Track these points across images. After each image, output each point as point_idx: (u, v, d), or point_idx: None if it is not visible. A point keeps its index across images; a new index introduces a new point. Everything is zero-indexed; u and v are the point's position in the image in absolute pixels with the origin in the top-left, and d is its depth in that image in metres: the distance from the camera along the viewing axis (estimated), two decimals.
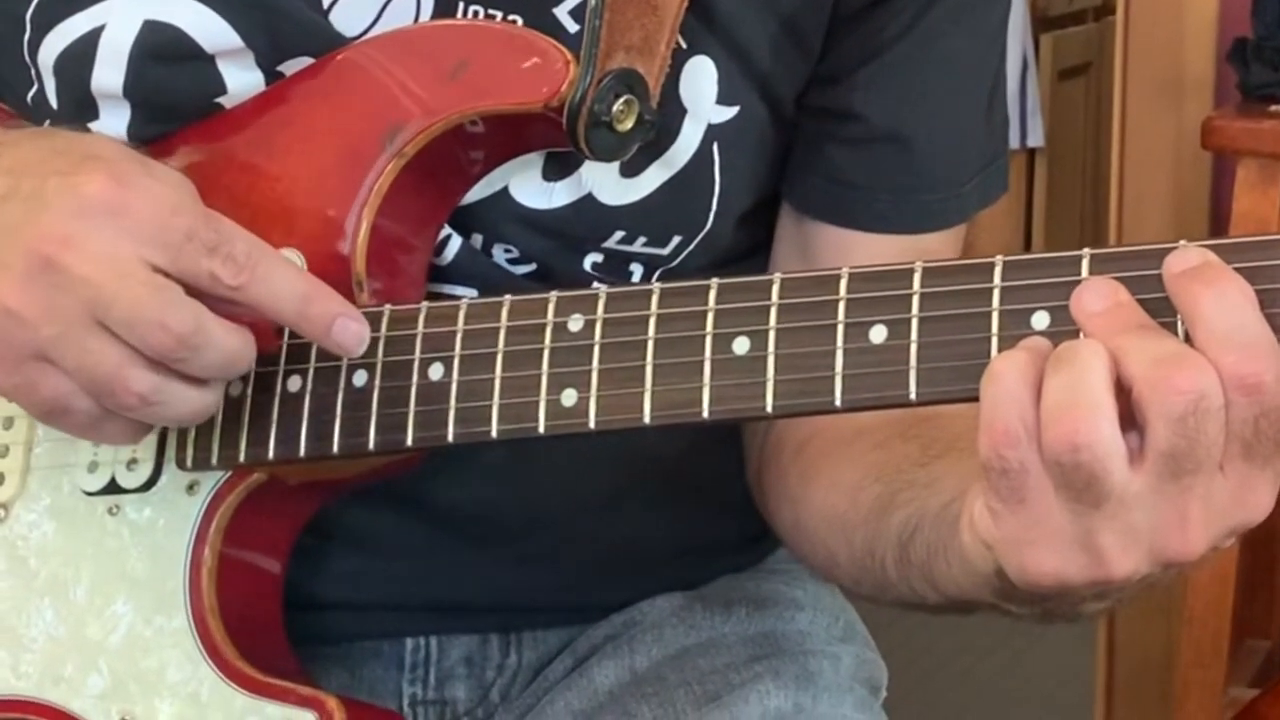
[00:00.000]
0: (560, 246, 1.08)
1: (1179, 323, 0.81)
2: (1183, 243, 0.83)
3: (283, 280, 0.93)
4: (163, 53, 1.04)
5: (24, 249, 0.91)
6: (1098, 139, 3.73)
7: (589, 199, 1.06)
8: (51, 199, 0.92)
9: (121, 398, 0.92)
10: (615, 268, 1.09)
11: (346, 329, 0.94)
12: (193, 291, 0.92)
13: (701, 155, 1.07)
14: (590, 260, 1.09)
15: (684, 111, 1.06)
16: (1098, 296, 0.83)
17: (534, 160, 1.06)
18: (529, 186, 1.06)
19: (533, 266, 1.08)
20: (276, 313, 0.94)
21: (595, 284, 1.08)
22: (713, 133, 1.07)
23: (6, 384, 0.94)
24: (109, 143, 0.97)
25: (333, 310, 0.94)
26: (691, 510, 1.18)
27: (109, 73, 1.05)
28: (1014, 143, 3.26)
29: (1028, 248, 3.55)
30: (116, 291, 0.90)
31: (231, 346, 0.93)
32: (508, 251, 1.08)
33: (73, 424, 0.95)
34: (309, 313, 0.94)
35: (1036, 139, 3.47)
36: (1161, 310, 0.82)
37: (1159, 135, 2.75)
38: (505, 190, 1.06)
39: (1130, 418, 0.79)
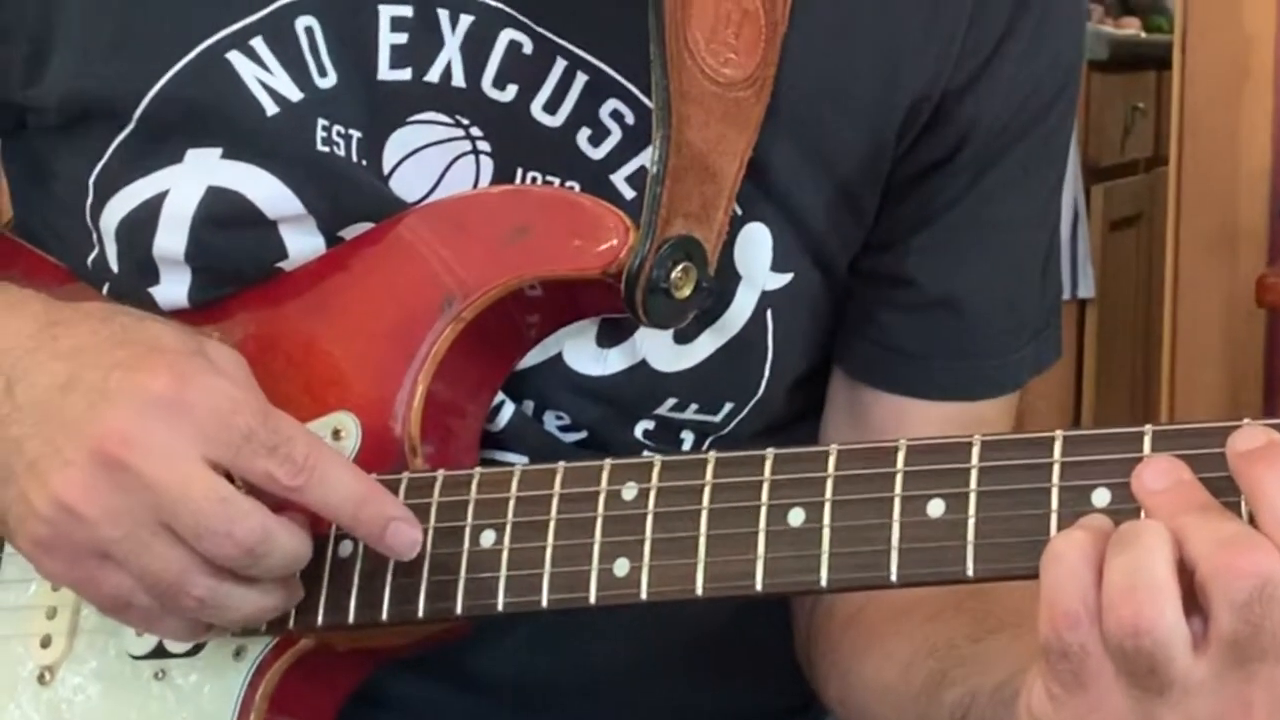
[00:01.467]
0: (613, 414, 1.07)
1: (1243, 503, 0.80)
2: (1247, 421, 0.82)
3: (339, 482, 0.93)
4: (225, 219, 1.05)
5: (87, 446, 0.91)
6: (1149, 290, 3.72)
7: (643, 365, 1.06)
8: (115, 394, 0.92)
9: (182, 601, 0.93)
10: (667, 435, 1.08)
11: (399, 533, 0.94)
12: (253, 487, 0.92)
13: (755, 322, 1.07)
14: (642, 428, 1.08)
15: (738, 278, 1.06)
16: (1159, 474, 0.82)
17: (588, 327, 1.06)
18: (583, 353, 1.06)
19: (584, 434, 1.08)
20: (331, 514, 0.94)
21: (647, 452, 1.08)
22: (767, 299, 1.07)
23: (66, 577, 0.94)
24: (169, 332, 0.97)
25: (387, 514, 0.94)
26: (738, 679, 1.17)
27: (171, 238, 1.05)
28: (1065, 294, 3.26)
29: (1078, 398, 3.53)
30: (182, 499, 0.90)
31: (293, 552, 0.93)
32: (559, 419, 1.07)
33: (132, 618, 0.96)
34: (363, 516, 0.94)
35: (1087, 290, 3.47)
36: (1225, 490, 0.81)
37: (1212, 287, 2.75)
38: (559, 356, 1.06)
39: (1193, 600, 0.78)
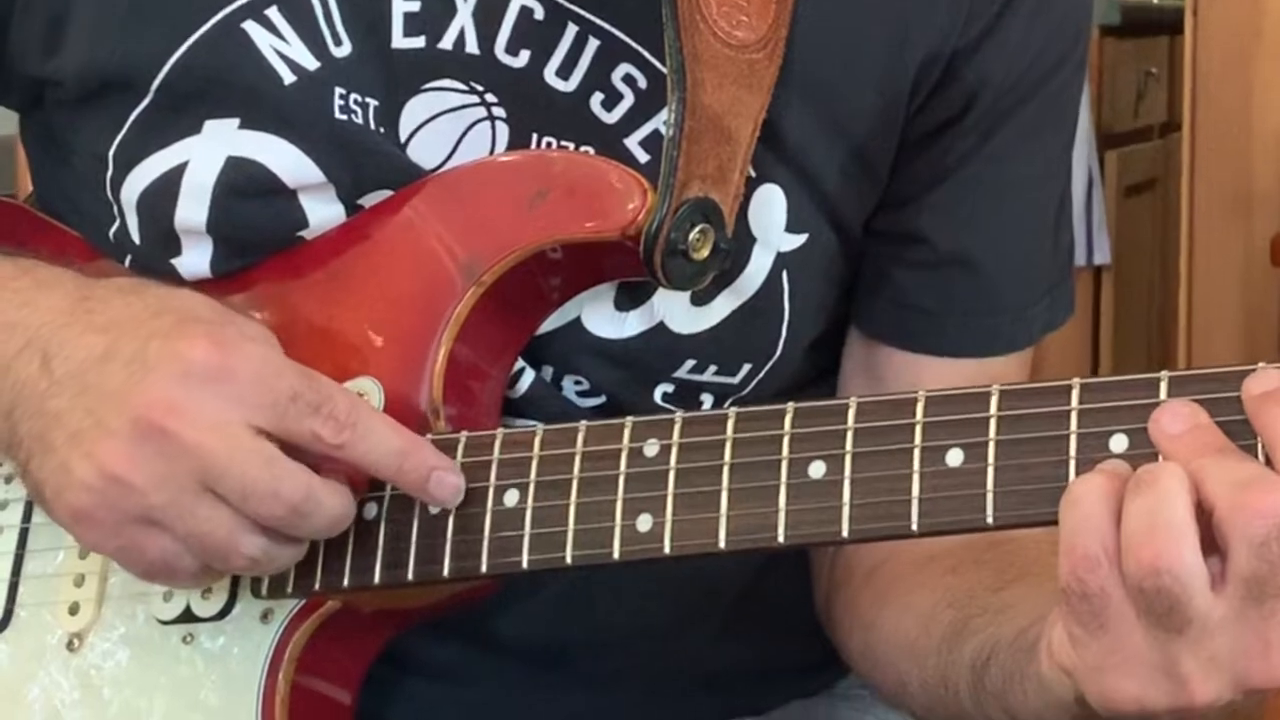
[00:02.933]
0: (632, 377, 1.08)
1: (1259, 445, 0.81)
2: (1261, 365, 0.83)
3: (382, 437, 0.94)
4: (246, 189, 1.05)
5: (129, 414, 0.92)
6: (1164, 255, 3.71)
7: (661, 328, 1.07)
8: (154, 363, 0.93)
9: (233, 561, 0.94)
10: (686, 398, 1.09)
11: (443, 482, 0.95)
12: (293, 449, 0.93)
13: (771, 283, 1.07)
14: (661, 391, 1.09)
15: (753, 240, 1.06)
16: (1177, 419, 0.82)
17: (606, 290, 1.06)
18: (601, 316, 1.06)
19: (603, 399, 1.08)
20: (375, 468, 0.95)
21: None
22: (782, 260, 1.07)
23: (108, 546, 0.95)
24: (202, 302, 0.98)
25: (429, 464, 0.95)
26: (760, 635, 1.17)
27: (192, 209, 1.06)
28: (1080, 260, 3.26)
29: (1095, 365, 3.53)
30: (228, 462, 0.91)
31: (338, 510, 0.94)
32: (578, 384, 1.08)
33: (175, 580, 0.97)
34: (407, 467, 0.95)
35: (1103, 256, 3.47)
36: (1241, 433, 0.82)
37: (1227, 251, 2.75)
38: (578, 320, 1.07)
39: (1211, 541, 0.79)
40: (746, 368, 1.09)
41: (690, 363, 1.08)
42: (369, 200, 1.06)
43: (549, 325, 1.06)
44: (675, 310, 1.07)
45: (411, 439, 0.95)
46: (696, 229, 1.01)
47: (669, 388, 1.09)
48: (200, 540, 0.93)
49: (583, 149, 1.05)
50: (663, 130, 1.02)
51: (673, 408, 1.08)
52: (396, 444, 0.95)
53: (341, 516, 0.95)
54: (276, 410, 0.92)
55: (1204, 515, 0.79)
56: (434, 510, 0.97)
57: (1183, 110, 2.89)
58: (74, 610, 1.04)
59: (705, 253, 1.01)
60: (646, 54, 1.05)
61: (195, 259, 1.07)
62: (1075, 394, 0.85)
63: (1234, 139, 2.74)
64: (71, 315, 0.97)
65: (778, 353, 1.09)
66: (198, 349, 0.93)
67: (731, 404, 1.10)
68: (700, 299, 1.07)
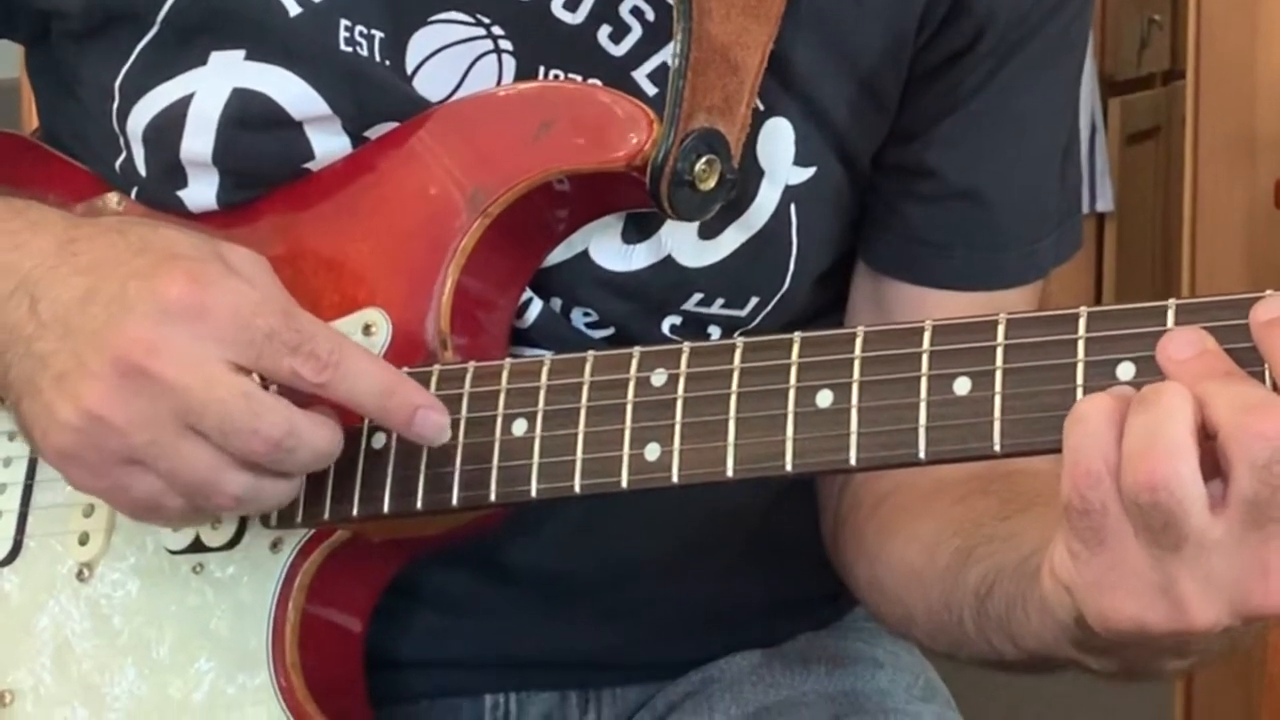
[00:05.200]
0: (639, 309, 1.08)
1: (1267, 373, 0.81)
2: (1269, 292, 0.83)
3: (365, 374, 0.94)
4: (252, 121, 1.05)
5: (109, 355, 0.92)
6: (1167, 203, 3.72)
7: (668, 261, 1.07)
8: (133, 303, 0.93)
9: (216, 499, 0.94)
10: (694, 330, 1.09)
11: (427, 420, 0.95)
12: (281, 387, 0.93)
13: (779, 216, 1.07)
14: (669, 323, 1.09)
15: (761, 173, 1.06)
16: (1184, 344, 0.82)
17: (613, 223, 1.06)
18: (609, 249, 1.07)
19: (611, 330, 1.09)
20: (358, 406, 0.95)
21: None
22: (790, 194, 1.07)
23: (96, 486, 0.96)
24: (184, 238, 0.98)
25: (413, 401, 0.95)
26: (770, 568, 1.18)
27: (198, 141, 1.06)
28: (1083, 208, 3.25)
29: None
30: (206, 399, 0.91)
31: (323, 443, 0.94)
32: (586, 315, 1.08)
33: (163, 519, 0.97)
34: (390, 405, 0.95)
35: (1106, 204, 3.46)
36: (1249, 360, 0.82)
37: (1231, 196, 2.74)
38: (585, 253, 1.07)
39: (1216, 465, 0.79)
40: (754, 300, 1.09)
41: (698, 295, 1.08)
42: (375, 132, 1.06)
43: (556, 258, 1.07)
44: (683, 243, 1.07)
45: (395, 376, 0.95)
46: (703, 160, 1.01)
47: (676, 320, 1.09)
48: (183, 478, 0.93)
49: (590, 82, 1.05)
50: (670, 63, 1.02)
51: (681, 339, 1.09)
52: (380, 382, 0.94)
53: (326, 451, 0.94)
54: (254, 347, 0.92)
55: (1209, 439, 0.79)
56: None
57: (1186, 58, 2.89)
58: (83, 540, 1.04)
59: (712, 183, 1.02)
60: None
61: (201, 191, 1.07)
62: (1083, 322, 0.85)
63: (1238, 85, 2.73)
64: (58, 257, 0.97)
65: (785, 286, 1.09)
66: (175, 287, 0.92)
67: (739, 335, 1.10)
68: (708, 232, 1.07)
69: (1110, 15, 3.60)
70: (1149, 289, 3.76)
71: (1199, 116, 2.78)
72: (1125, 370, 0.84)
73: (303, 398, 0.94)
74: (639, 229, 1.07)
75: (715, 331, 1.10)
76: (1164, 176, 3.77)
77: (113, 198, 1.12)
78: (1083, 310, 0.86)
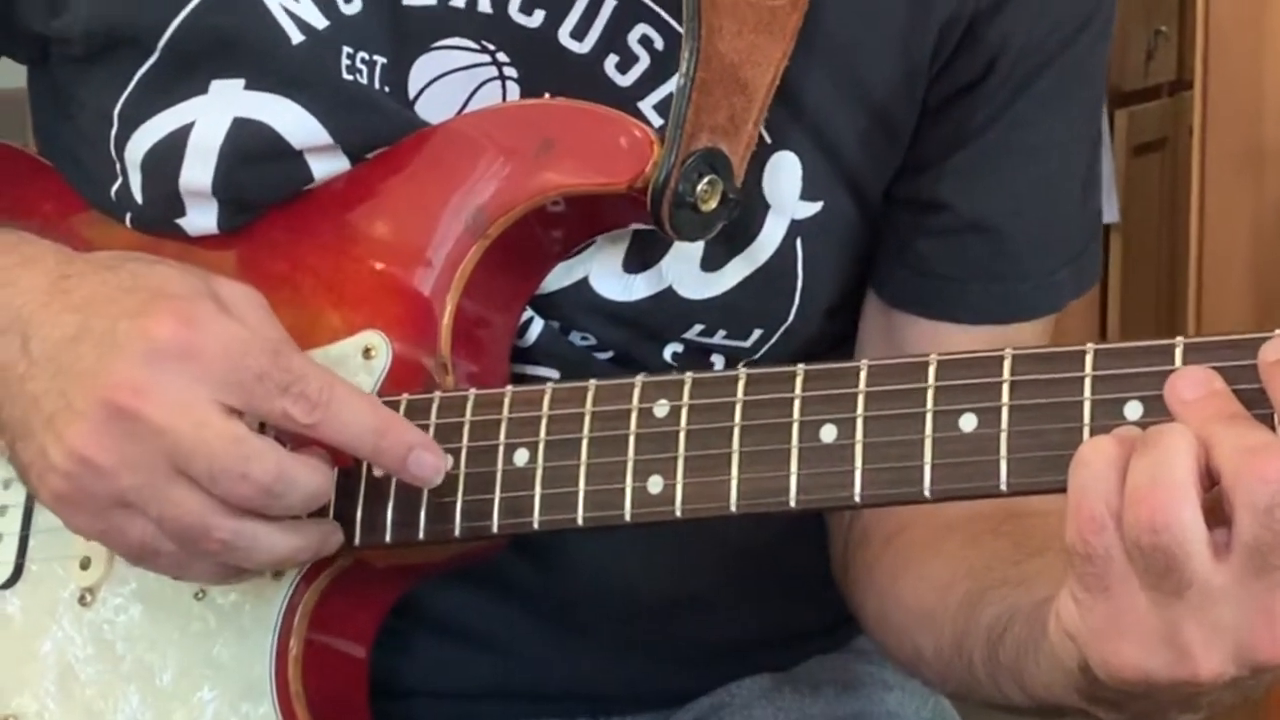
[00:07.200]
0: (639, 337, 1.08)
1: (1276, 416, 0.81)
2: (1278, 332, 0.82)
3: (356, 415, 0.93)
4: (253, 152, 1.04)
5: (98, 397, 0.92)
6: (1173, 214, 3.70)
7: (669, 292, 1.06)
8: (123, 343, 0.92)
9: (205, 544, 0.93)
10: (696, 359, 1.09)
11: (422, 461, 0.94)
12: (267, 428, 0.92)
13: (784, 251, 1.07)
14: (670, 350, 1.09)
15: (766, 207, 1.06)
16: (1192, 384, 0.82)
17: (615, 251, 1.06)
18: (609, 278, 1.06)
19: (611, 354, 1.08)
20: (350, 446, 0.94)
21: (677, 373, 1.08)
22: (796, 228, 1.07)
23: (92, 530, 0.95)
24: (176, 276, 0.97)
25: (407, 441, 0.94)
26: (781, 598, 1.17)
27: (198, 171, 1.05)
28: None
29: (1103, 323, 3.53)
30: (195, 443, 0.91)
31: (314, 487, 0.93)
32: (585, 339, 1.08)
33: (161, 565, 0.96)
34: (383, 445, 0.94)
35: (1111, 215, 3.45)
36: (1257, 401, 0.81)
37: (1238, 208, 2.74)
38: (585, 280, 1.06)
39: (1220, 511, 0.78)
40: (757, 333, 1.09)
41: (699, 326, 1.08)
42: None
43: (557, 283, 1.06)
44: (685, 275, 1.06)
45: (388, 416, 0.94)
46: (704, 180, 1.00)
47: (678, 348, 1.09)
48: (172, 523, 0.92)
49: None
50: (676, 83, 1.01)
51: (683, 366, 1.08)
52: (371, 422, 0.93)
53: (317, 493, 0.94)
54: (244, 389, 0.92)
55: (1214, 483, 0.79)
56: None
57: (1192, 69, 2.88)
58: (85, 565, 1.04)
59: (713, 204, 1.01)
60: (664, 15, 1.04)
61: (200, 219, 1.07)
62: (1089, 359, 0.85)
63: (1245, 96, 2.73)
64: (49, 294, 0.96)
65: (789, 319, 1.09)
66: (164, 327, 0.92)
67: (743, 366, 1.10)
68: (710, 264, 1.06)
69: (1117, 25, 3.58)
70: (1154, 300, 3.75)
71: (1206, 129, 2.77)
72: (1133, 409, 0.84)
73: (295, 438, 0.93)
74: (640, 259, 1.06)
75: (718, 360, 1.10)
76: (1170, 188, 3.76)
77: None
78: (1089, 347, 0.86)
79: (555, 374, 1.07)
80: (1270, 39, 2.74)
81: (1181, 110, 3.52)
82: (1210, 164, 2.75)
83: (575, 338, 1.08)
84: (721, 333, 1.08)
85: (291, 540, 0.95)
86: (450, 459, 0.95)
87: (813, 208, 1.07)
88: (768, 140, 1.04)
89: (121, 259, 0.99)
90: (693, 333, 1.08)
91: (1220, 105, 2.75)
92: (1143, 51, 3.75)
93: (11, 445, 0.96)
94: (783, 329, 1.09)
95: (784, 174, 1.06)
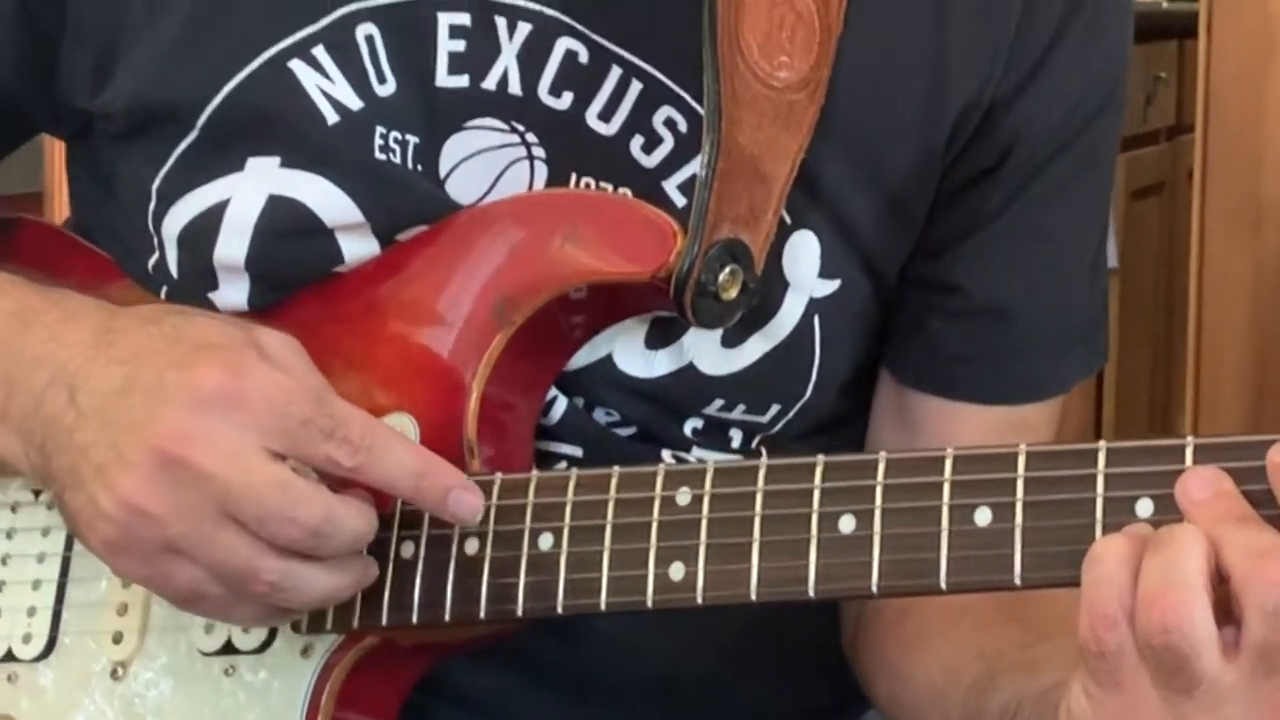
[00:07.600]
0: (661, 412, 1.10)
1: None
2: None
3: (398, 458, 0.96)
4: (286, 229, 1.07)
5: (146, 446, 0.94)
6: (1171, 259, 3.73)
7: (690, 368, 1.08)
8: (171, 393, 0.95)
9: (253, 586, 0.95)
10: (715, 434, 1.11)
11: (461, 501, 0.97)
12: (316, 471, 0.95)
13: (802, 328, 1.09)
14: (690, 426, 1.10)
15: (786, 285, 1.08)
16: (1202, 484, 0.84)
17: (637, 329, 1.08)
18: (632, 354, 1.08)
19: (634, 430, 1.10)
20: (392, 488, 0.97)
21: (695, 449, 1.10)
22: (814, 306, 1.09)
23: (138, 575, 0.98)
24: (217, 327, 0.99)
25: (447, 483, 0.97)
26: (794, 673, 1.19)
27: (232, 246, 1.08)
28: None
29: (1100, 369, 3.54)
30: (244, 489, 0.93)
31: (359, 528, 0.96)
32: (608, 415, 1.10)
33: (208, 609, 0.98)
34: (424, 486, 0.97)
35: (1110, 260, 3.47)
36: (1265, 503, 0.84)
37: (1237, 258, 2.75)
38: (609, 357, 1.08)
39: (1229, 610, 0.81)
40: (775, 408, 1.11)
41: (719, 401, 1.10)
42: (404, 237, 1.07)
43: (581, 361, 1.08)
44: (705, 351, 1.08)
45: (428, 458, 0.97)
46: (726, 270, 1.02)
47: (698, 423, 1.11)
48: (221, 567, 0.95)
49: (620, 192, 1.07)
50: (698, 174, 1.04)
51: (702, 441, 1.10)
52: (413, 464, 0.96)
53: (362, 534, 0.96)
54: (289, 435, 0.94)
55: (1224, 582, 0.81)
56: (470, 551, 0.98)
57: (1191, 114, 2.90)
58: (117, 639, 1.06)
59: (734, 293, 1.03)
60: (688, 98, 1.06)
61: (232, 293, 1.09)
62: (1102, 457, 0.87)
63: (1246, 148, 2.74)
64: (95, 349, 0.99)
65: (807, 395, 1.11)
66: (210, 377, 0.94)
67: (760, 441, 1.12)
68: (730, 341, 1.08)
69: None
70: (1151, 344, 3.77)
71: (1206, 175, 2.79)
72: (1144, 507, 0.86)
73: (338, 481, 0.96)
74: (661, 336, 1.08)
75: (737, 435, 1.12)
76: (1168, 232, 3.79)
77: None
78: (1102, 445, 0.88)
79: (578, 451, 1.09)
80: (1271, 92, 2.76)
81: (1180, 154, 3.55)
82: (1210, 213, 2.77)
83: (599, 414, 1.10)
84: (741, 407, 1.10)
85: (336, 579, 0.97)
86: (482, 497, 0.97)
87: (831, 285, 1.09)
88: (787, 220, 1.06)
89: (163, 311, 1.02)
90: (713, 408, 1.10)
91: (1221, 156, 2.77)
92: (1142, 97, 3.78)
93: (60, 495, 0.99)
94: (800, 404, 1.11)
95: (803, 253, 1.08)
